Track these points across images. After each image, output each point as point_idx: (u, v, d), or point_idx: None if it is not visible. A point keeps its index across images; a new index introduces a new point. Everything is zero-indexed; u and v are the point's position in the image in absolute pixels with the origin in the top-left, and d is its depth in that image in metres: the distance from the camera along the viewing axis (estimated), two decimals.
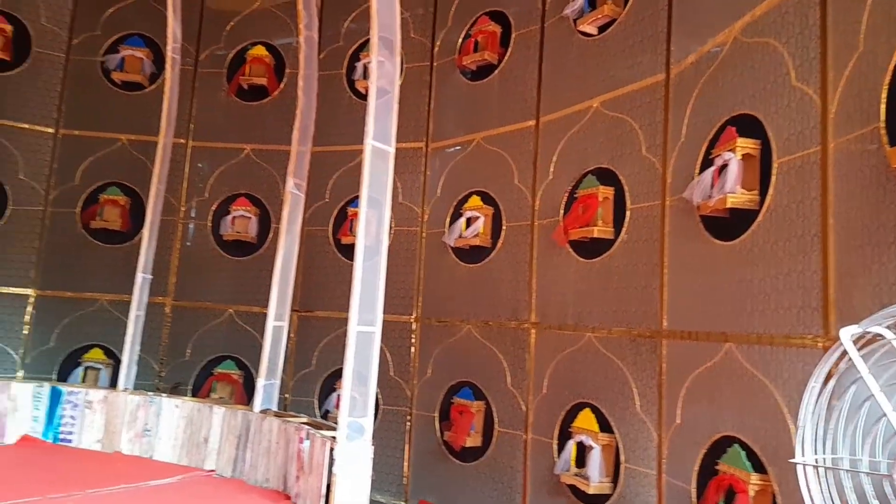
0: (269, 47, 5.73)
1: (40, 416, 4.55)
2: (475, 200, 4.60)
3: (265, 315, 4.56)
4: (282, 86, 5.68)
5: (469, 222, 4.56)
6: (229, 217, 5.55)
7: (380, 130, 3.60)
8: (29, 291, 5.39)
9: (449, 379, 4.52)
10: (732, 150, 2.76)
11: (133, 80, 5.71)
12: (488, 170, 4.57)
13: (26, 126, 5.53)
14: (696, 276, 3.04)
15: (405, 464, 4.67)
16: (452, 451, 4.38)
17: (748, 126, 2.78)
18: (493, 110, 4.62)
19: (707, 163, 2.97)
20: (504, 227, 4.38)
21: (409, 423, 4.71)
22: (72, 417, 4.53)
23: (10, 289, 5.34)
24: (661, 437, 3.10)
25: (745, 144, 2.74)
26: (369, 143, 3.53)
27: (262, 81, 5.66)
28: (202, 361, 5.38)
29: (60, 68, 5.68)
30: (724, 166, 2.79)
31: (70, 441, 4.52)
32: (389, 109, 3.70)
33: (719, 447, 2.72)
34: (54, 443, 4.51)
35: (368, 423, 3.21)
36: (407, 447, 4.69)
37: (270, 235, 5.48)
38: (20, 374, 5.21)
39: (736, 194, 2.72)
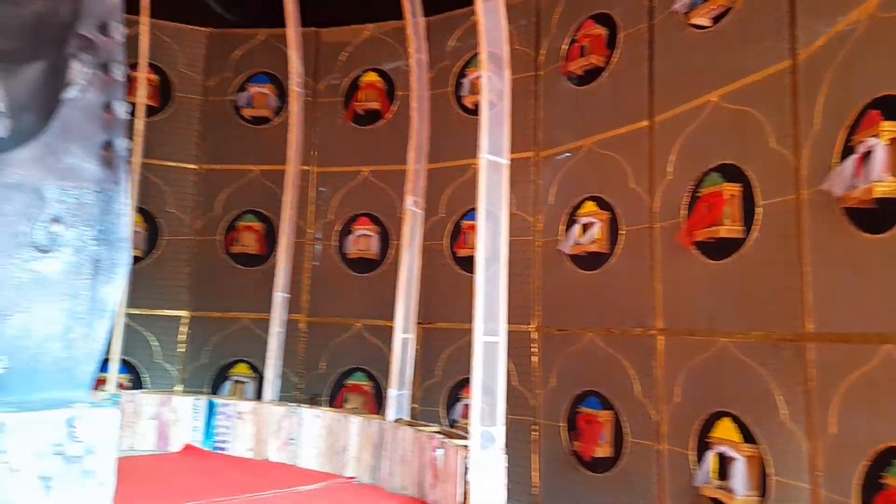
0: (380, 72, 6.01)
1: (199, 426, 5.04)
2: (590, 206, 4.55)
3: (390, 328, 4.77)
4: (394, 108, 5.93)
5: (585, 228, 4.52)
6: (352, 236, 5.87)
7: (493, 143, 3.68)
8: (183, 313, 5.98)
9: (574, 388, 4.49)
10: (877, 135, 2.56)
11: (261, 114, 6.21)
12: (601, 174, 4.51)
13: (172, 164, 6.16)
14: (842, 274, 2.84)
15: (534, 473, 4.68)
16: (582, 461, 4.34)
17: (893, 108, 2.57)
18: (602, 114, 4.56)
19: (847, 151, 2.77)
20: (622, 232, 4.30)
21: (535, 433, 4.72)
22: (226, 427, 4.98)
23: (167, 311, 5.96)
24: (814, 448, 2.90)
25: (892, 128, 2.53)
26: (484, 157, 3.62)
27: (376, 105, 5.95)
28: (335, 373, 5.70)
29: (198, 109, 6.28)
30: (867, 153, 2.59)
31: (225, 449, 4.96)
32: (501, 122, 3.77)
33: (884, 459, 2.51)
34: (212, 451, 4.97)
35: (499, 432, 3.27)
36: (535, 457, 4.69)
37: (391, 252, 5.72)
38: (179, 387, 5.79)
39: (884, 182, 2.52)
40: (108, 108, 4.03)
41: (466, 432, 3.56)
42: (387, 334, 5.07)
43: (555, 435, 4.58)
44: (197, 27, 6.25)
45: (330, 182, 6.11)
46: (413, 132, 5.03)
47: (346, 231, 5.95)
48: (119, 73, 4.05)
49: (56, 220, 3.91)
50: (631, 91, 4.34)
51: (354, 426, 4.56)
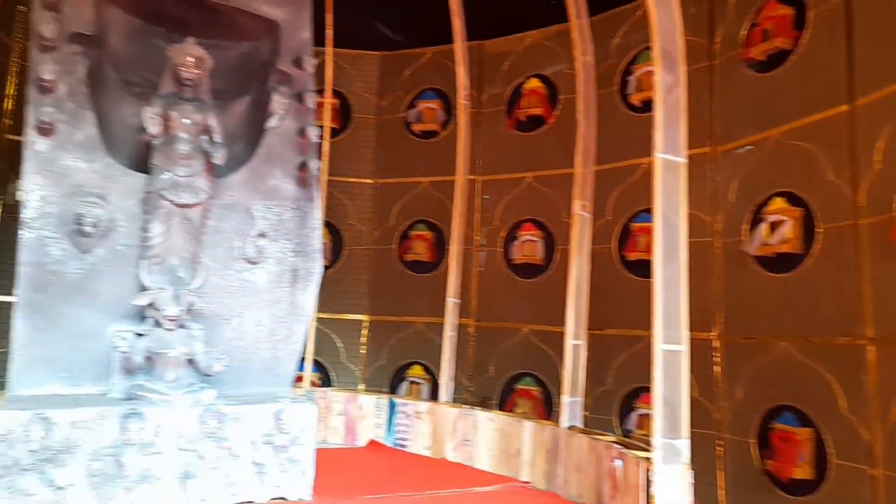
0: (543, 78, 6.02)
1: (382, 423, 5.40)
2: (778, 202, 4.17)
3: (557, 333, 4.74)
4: (556, 112, 5.90)
5: (773, 227, 4.15)
6: (517, 242, 5.93)
7: (668, 142, 3.53)
8: (363, 317, 6.44)
9: (765, 402, 4.13)
10: None
11: (429, 128, 6.51)
12: (791, 167, 4.12)
13: (352, 179, 6.66)
14: None
15: (720, 492, 4.37)
16: (777, 482, 3.97)
17: None
18: (791, 101, 4.16)
19: None
20: (818, 230, 3.88)
21: (720, 448, 4.41)
22: (405, 425, 5.28)
23: (350, 315, 6.45)
24: None
25: None
26: (658, 156, 3.48)
27: (538, 111, 5.97)
28: (504, 378, 5.79)
29: (373, 128, 6.74)
30: None
31: (405, 446, 5.27)
32: (676, 119, 3.60)
33: None
34: (393, 446, 5.30)
35: (684, 445, 3.12)
36: (720, 474, 4.39)
37: (556, 256, 5.69)
38: (361, 386, 6.24)
39: None
40: (302, 133, 4.52)
41: (645, 444, 3.43)
42: (554, 339, 5.05)
43: (743, 452, 4.24)
44: (371, 52, 6.72)
45: (494, 189, 6.23)
46: (579, 135, 4.97)
47: (511, 237, 6.02)
48: (311, 101, 4.52)
49: (262, 235, 4.46)
50: (825, 74, 3.92)
51: (527, 431, 4.60)
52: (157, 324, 3.88)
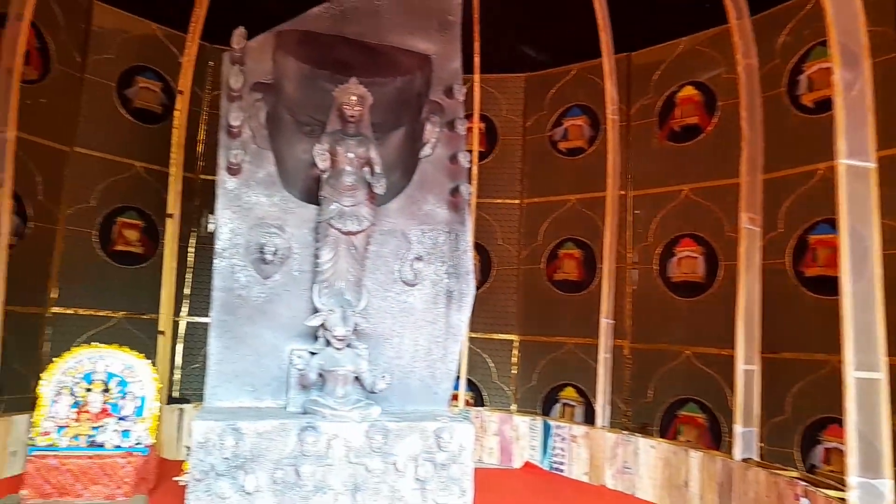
0: (698, 85, 5.72)
1: (537, 445, 5.36)
2: None
3: (723, 357, 4.42)
4: (715, 120, 5.57)
5: None
6: (675, 259, 5.64)
7: (853, 145, 3.19)
8: (514, 337, 6.46)
9: None
10: None
11: (576, 145, 6.43)
12: None
13: (499, 200, 6.75)
14: None
15: None
16: None
17: None
18: None
19: None
20: None
21: None
22: (561, 449, 5.19)
23: (500, 335, 6.50)
24: None
25: None
26: (842, 162, 3.15)
27: (694, 120, 5.67)
28: (664, 403, 5.49)
29: (519, 148, 6.80)
30: None
31: (562, 470, 5.17)
32: (861, 120, 3.24)
33: None
34: (550, 470, 5.23)
35: (887, 487, 2.75)
36: None
37: (720, 273, 5.33)
38: (513, 407, 6.24)
39: None
40: (454, 159, 4.67)
41: (838, 482, 3.07)
42: (720, 363, 4.71)
43: None
44: (516, 74, 6.81)
45: (646, 204, 5.99)
46: (744, 143, 4.64)
47: (667, 253, 5.74)
48: (461, 128, 4.67)
49: (418, 258, 4.67)
50: None
51: (695, 461, 4.31)
52: (328, 343, 4.17)
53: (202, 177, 6.33)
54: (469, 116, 6.05)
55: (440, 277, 4.63)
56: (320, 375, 4.14)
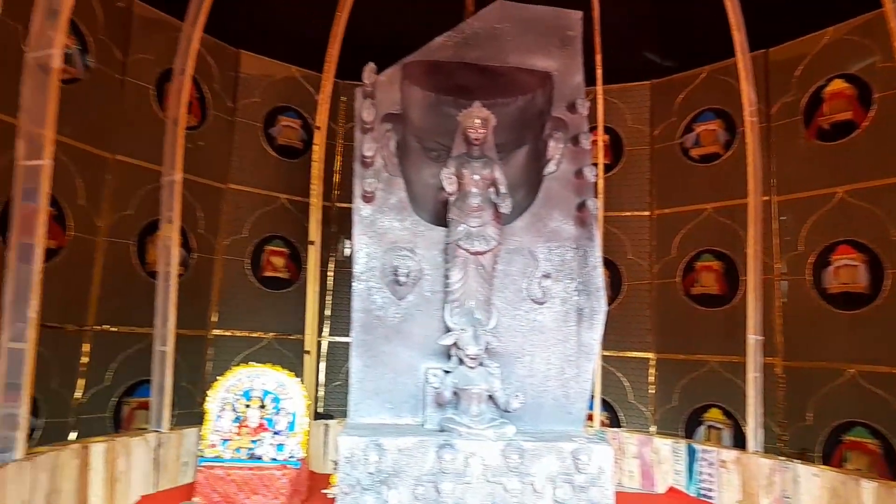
0: (849, 78, 5.23)
1: (681, 470, 5.07)
2: None
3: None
4: (871, 114, 5.05)
5: None
6: (831, 268, 5.15)
7: None
8: (650, 355, 6.20)
9: None
10: None
11: (709, 151, 6.11)
12: None
13: (628, 213, 6.55)
14: None
15: None
16: None
17: None
18: None
19: None
20: None
21: None
22: (709, 475, 4.87)
23: (635, 353, 6.26)
24: None
25: None
26: None
27: (847, 116, 5.19)
28: (826, 426, 5.00)
29: (647, 158, 6.57)
30: None
31: (711, 497, 4.85)
32: None
33: None
34: (697, 497, 4.92)
35: None
36: None
37: (886, 283, 4.79)
38: (653, 428, 5.96)
39: None
40: (579, 174, 4.61)
41: None
42: (892, 383, 4.20)
43: None
44: (640, 83, 6.62)
45: (794, 210, 5.54)
46: None
47: (822, 262, 5.26)
48: (586, 142, 4.60)
49: (546, 276, 4.64)
50: None
51: (868, 493, 3.86)
52: (461, 362, 4.25)
53: (338, 205, 6.75)
54: (593, 129, 5.95)
55: (569, 295, 4.56)
56: (455, 394, 4.22)
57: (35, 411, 4.70)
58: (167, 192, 5.17)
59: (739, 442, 5.11)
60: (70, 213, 4.95)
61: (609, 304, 6.32)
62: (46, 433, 4.52)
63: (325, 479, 4.66)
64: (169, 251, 5.04)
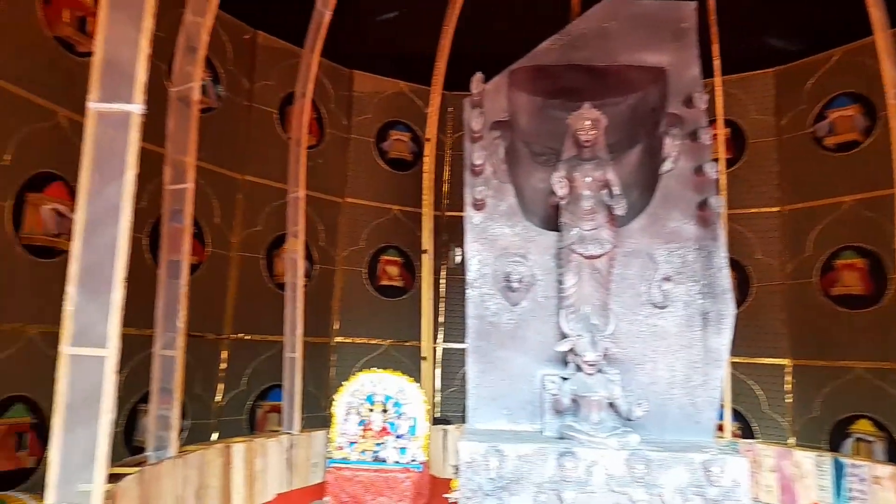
0: None
1: (826, 486, 4.65)
2: None
3: None
4: None
5: None
6: None
7: None
8: (784, 361, 5.75)
9: None
10: None
11: (846, 139, 5.61)
12: None
13: (754, 210, 6.15)
14: None
15: None
16: None
17: None
18: None
19: None
20: None
21: None
22: (860, 491, 4.44)
23: (767, 359, 5.84)
24: None
25: None
26: None
27: None
28: None
29: (773, 150, 6.14)
30: None
31: None
32: None
33: None
34: None
35: None
36: None
37: None
38: (791, 440, 5.52)
39: None
40: (699, 171, 4.39)
41: None
42: None
43: None
44: (762, 71, 6.21)
45: None
46: None
47: None
48: (706, 137, 4.38)
49: (667, 278, 4.43)
50: None
51: None
52: (578, 368, 4.16)
53: (448, 213, 6.87)
54: (712, 123, 5.65)
55: (693, 298, 4.34)
56: (573, 401, 4.14)
57: (183, 414, 5.19)
58: (292, 208, 5.52)
59: (894, 457, 4.61)
60: (208, 231, 5.41)
61: (737, 307, 5.98)
62: (192, 434, 4.95)
63: (444, 484, 4.73)
64: (295, 263, 5.37)
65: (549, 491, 3.78)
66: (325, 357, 6.45)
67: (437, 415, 6.51)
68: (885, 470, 4.34)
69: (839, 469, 4.59)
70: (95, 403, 2.56)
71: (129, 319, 3.05)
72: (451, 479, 4.07)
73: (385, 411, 4.34)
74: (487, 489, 3.84)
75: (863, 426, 5.13)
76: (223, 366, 5.68)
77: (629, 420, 4.06)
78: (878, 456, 4.88)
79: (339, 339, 6.58)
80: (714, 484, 3.66)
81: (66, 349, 2.58)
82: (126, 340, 2.95)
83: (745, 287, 6.08)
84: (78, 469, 2.53)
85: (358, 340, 6.62)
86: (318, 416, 5.86)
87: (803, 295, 5.74)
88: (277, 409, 5.49)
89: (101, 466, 2.51)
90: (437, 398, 6.66)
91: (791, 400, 5.64)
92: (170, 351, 3.90)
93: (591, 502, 3.74)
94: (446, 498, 4.45)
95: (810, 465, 4.75)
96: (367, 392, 4.38)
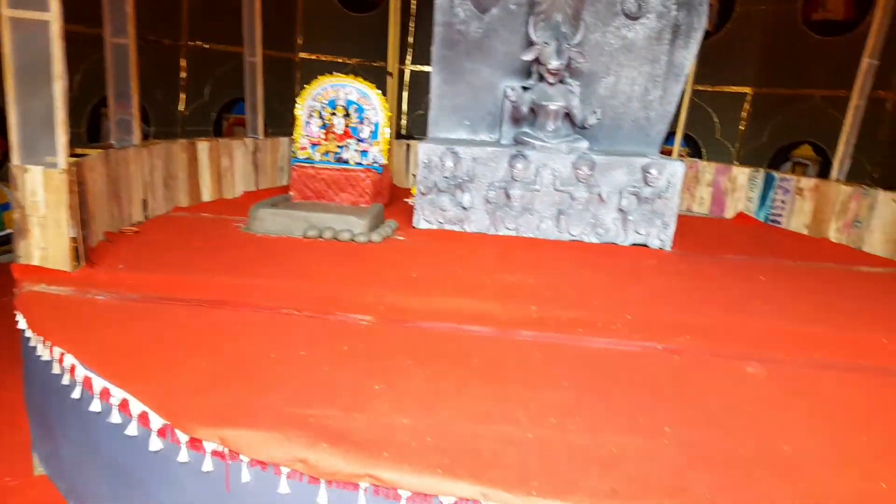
0: None
1: (754, 197, 5.07)
2: None
3: None
4: None
5: None
6: None
7: None
8: (747, 90, 5.81)
9: None
10: None
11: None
12: None
13: None
14: None
15: None
16: None
17: None
18: None
19: None
20: None
21: None
22: (782, 202, 4.86)
23: (731, 87, 5.88)
24: None
25: None
26: None
27: None
28: None
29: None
30: None
31: (778, 223, 4.90)
32: None
33: None
34: (764, 222, 4.98)
35: None
36: None
37: None
38: (734, 163, 5.85)
39: None
40: None
41: None
42: None
43: None
44: None
45: None
46: None
47: None
48: None
49: None
50: None
51: None
52: (541, 78, 4.18)
53: None
54: None
55: (668, 9, 4.20)
56: (532, 111, 4.24)
57: (146, 120, 5.21)
58: None
59: (823, 176, 4.97)
60: None
61: (714, 33, 5.83)
62: (156, 139, 5.04)
63: (407, 192, 5.05)
64: None
65: (498, 189, 4.08)
66: (289, 72, 6.32)
67: (404, 132, 6.66)
68: (809, 182, 4.70)
69: (769, 182, 4.95)
70: (46, 69, 2.55)
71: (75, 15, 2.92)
72: (412, 188, 4.32)
73: (347, 116, 4.41)
74: (442, 186, 4.13)
75: (803, 151, 5.42)
76: (183, 74, 5.56)
77: (583, 128, 4.22)
78: (810, 175, 5.25)
79: (303, 54, 6.37)
80: (650, 184, 3.97)
81: (5, 12, 2.47)
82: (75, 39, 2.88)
83: (727, 12, 5.86)
84: (40, 138, 2.61)
85: (323, 57, 6.43)
86: (283, 131, 5.94)
87: (785, 21, 5.57)
88: (242, 123, 5.53)
89: (62, 133, 2.58)
90: (404, 121, 6.73)
91: (744, 127, 5.84)
92: (121, 38, 3.75)
93: (535, 199, 4.08)
94: (406, 202, 4.78)
95: (744, 180, 5.11)
96: (329, 96, 4.40)
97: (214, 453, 1.62)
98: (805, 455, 1.67)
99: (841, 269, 3.76)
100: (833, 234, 4.47)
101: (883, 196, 4.17)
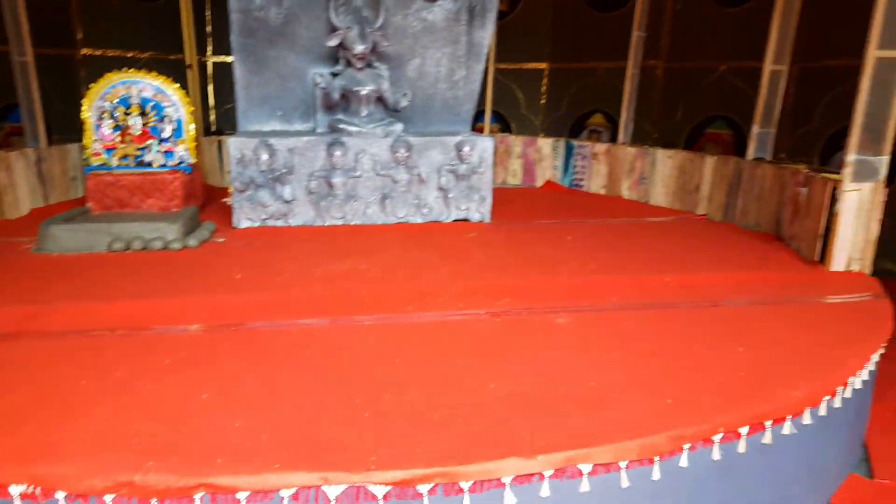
0: None
1: (559, 165, 5.55)
2: None
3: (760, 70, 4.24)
4: None
5: None
6: None
7: None
8: (543, 65, 6.28)
9: None
10: None
11: None
12: None
13: None
14: None
15: None
16: None
17: None
18: None
19: None
20: None
21: None
22: (582, 167, 5.38)
23: (530, 64, 6.32)
24: None
25: None
26: None
27: None
28: (692, 122, 5.46)
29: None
30: None
31: (581, 186, 5.43)
32: None
33: None
34: (569, 187, 5.49)
35: (883, 163, 2.82)
36: None
37: None
38: (541, 135, 6.34)
39: None
40: None
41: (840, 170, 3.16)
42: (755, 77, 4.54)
43: None
44: None
45: None
46: None
47: None
48: None
49: None
50: None
51: (709, 165, 4.44)
52: (348, 63, 4.19)
53: None
54: None
55: None
56: (344, 97, 4.24)
57: None
58: None
59: (613, 141, 5.55)
60: None
61: (508, 14, 6.21)
62: None
63: (224, 192, 4.80)
64: None
65: (319, 178, 4.05)
66: (73, 72, 5.66)
67: (213, 129, 6.30)
68: (601, 147, 5.27)
69: (569, 150, 5.46)
70: None
71: None
72: (229, 187, 4.12)
73: (144, 114, 4.07)
74: (260, 181, 4.00)
75: (597, 119, 6.01)
76: None
77: (396, 111, 4.32)
78: (603, 141, 5.85)
79: (86, 50, 5.74)
80: (464, 161, 4.18)
81: None
82: None
83: None
84: None
85: (110, 52, 5.84)
86: (74, 137, 5.33)
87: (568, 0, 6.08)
88: (20, 132, 4.88)
89: None
90: (213, 116, 6.36)
91: (544, 101, 6.33)
92: None
93: (358, 185, 4.11)
94: (224, 201, 4.56)
95: (548, 150, 5.58)
96: (120, 94, 4.02)
97: (24, 496, 1.47)
98: (607, 386, 1.90)
99: (633, 222, 4.27)
100: (625, 192, 5.05)
101: (661, 154, 4.79)
